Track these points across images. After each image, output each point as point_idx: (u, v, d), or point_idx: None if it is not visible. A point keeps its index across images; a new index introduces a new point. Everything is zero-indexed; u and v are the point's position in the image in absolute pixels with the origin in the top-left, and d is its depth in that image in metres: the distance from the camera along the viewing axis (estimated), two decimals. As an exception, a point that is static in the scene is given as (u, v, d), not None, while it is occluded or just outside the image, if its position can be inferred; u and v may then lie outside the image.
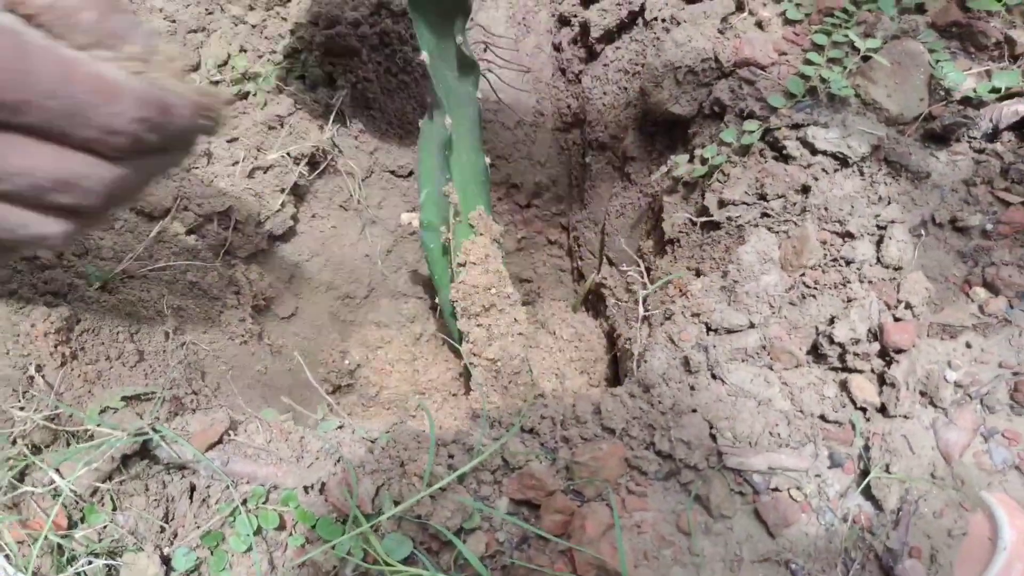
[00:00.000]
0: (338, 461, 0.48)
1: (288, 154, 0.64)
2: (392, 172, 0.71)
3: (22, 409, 0.48)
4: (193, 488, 0.49)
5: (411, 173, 0.72)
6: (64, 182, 0.41)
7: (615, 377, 0.72)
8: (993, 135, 0.53)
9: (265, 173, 0.64)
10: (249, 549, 0.48)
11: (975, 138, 0.54)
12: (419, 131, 0.58)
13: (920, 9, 0.62)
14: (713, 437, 0.46)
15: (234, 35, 0.66)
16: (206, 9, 0.67)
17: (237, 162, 0.63)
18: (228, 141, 0.64)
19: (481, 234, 0.59)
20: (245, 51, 0.67)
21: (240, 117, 0.66)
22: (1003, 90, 0.55)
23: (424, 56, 0.51)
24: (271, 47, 0.67)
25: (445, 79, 0.53)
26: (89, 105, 0.37)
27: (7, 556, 0.47)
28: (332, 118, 0.66)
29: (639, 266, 0.61)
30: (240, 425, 0.48)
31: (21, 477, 0.49)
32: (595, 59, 0.68)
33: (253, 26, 0.68)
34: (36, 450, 0.49)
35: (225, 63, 0.67)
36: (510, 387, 0.60)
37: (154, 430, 0.49)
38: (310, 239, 0.69)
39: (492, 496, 0.46)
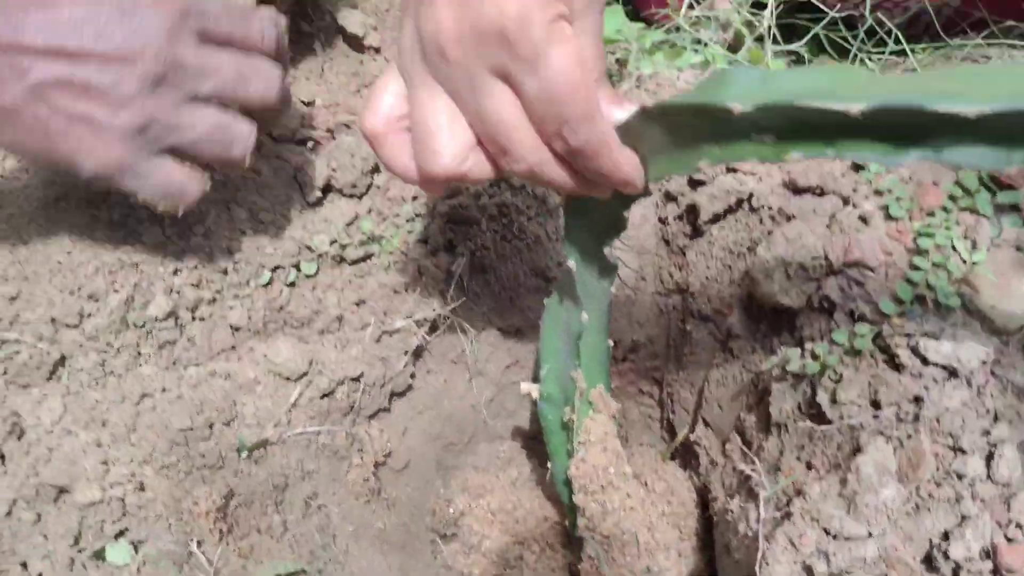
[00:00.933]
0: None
1: (416, 320, 0.69)
2: (500, 330, 0.75)
3: (186, 587, 0.52)
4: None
5: (518, 331, 0.76)
6: (247, 76, 0.57)
7: (706, 533, 0.74)
8: (1096, 350, 0.57)
9: (391, 337, 0.68)
10: None
11: (1079, 354, 0.57)
12: (543, 307, 0.63)
13: (1015, 208, 0.66)
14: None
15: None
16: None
17: (367, 326, 0.67)
18: (356, 304, 0.69)
19: (600, 411, 0.63)
20: (371, 212, 0.72)
21: (366, 278, 0.70)
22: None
23: (571, 263, 0.55)
24: (395, 211, 0.72)
25: (585, 280, 0.57)
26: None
27: None
28: (454, 284, 0.71)
29: (748, 449, 0.64)
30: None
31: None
32: (700, 236, 0.72)
33: (378, 187, 0.73)
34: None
35: (352, 222, 0.72)
36: (618, 558, 0.64)
37: (303, 608, 0.52)
38: (424, 394, 0.73)
39: None
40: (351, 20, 0.79)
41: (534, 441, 0.82)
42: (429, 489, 0.74)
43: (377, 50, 0.81)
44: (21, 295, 0.67)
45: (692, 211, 0.72)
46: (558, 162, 0.47)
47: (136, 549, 0.55)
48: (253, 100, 0.60)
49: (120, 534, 0.55)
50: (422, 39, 0.47)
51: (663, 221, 0.75)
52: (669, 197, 0.74)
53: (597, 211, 0.54)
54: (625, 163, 0.46)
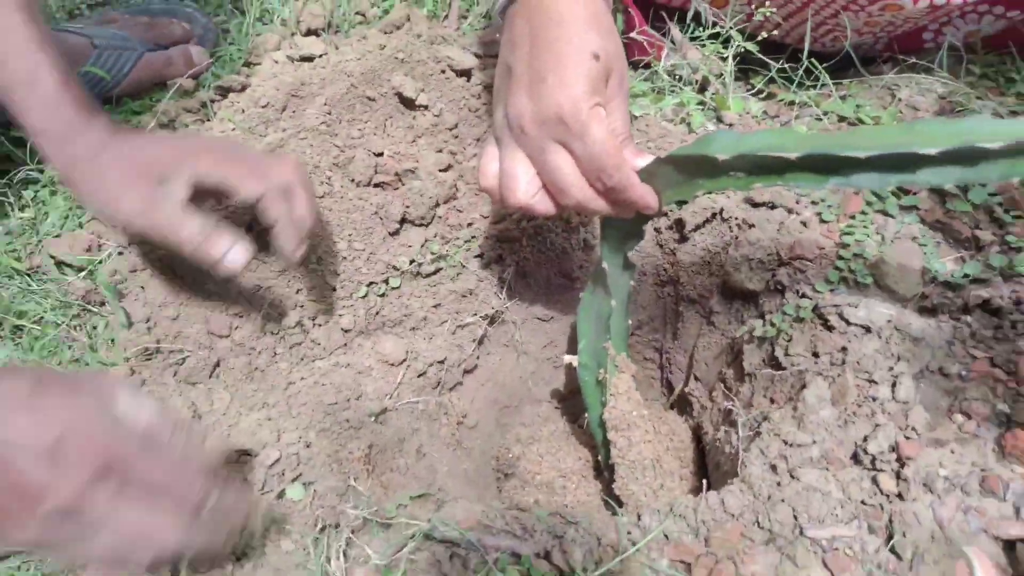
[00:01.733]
0: (559, 536, 0.75)
1: (480, 316, 0.92)
2: (538, 319, 0.99)
3: (354, 508, 0.75)
4: (456, 555, 0.77)
5: (551, 318, 1.00)
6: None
7: (700, 461, 0.99)
8: (965, 309, 0.81)
9: (463, 329, 0.92)
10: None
11: (954, 311, 0.82)
12: (578, 298, 0.87)
13: (915, 208, 0.91)
14: (795, 517, 0.73)
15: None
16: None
17: (444, 322, 0.91)
18: (434, 307, 0.92)
19: (624, 372, 0.87)
20: (437, 236, 0.96)
21: (438, 287, 0.94)
22: (971, 276, 0.83)
23: (605, 264, 0.80)
24: (455, 235, 0.96)
25: (613, 276, 0.81)
26: None
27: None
28: (505, 287, 0.95)
29: (729, 392, 0.89)
30: (484, 515, 0.76)
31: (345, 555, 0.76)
32: (686, 241, 0.96)
33: (440, 217, 0.96)
34: (354, 535, 0.76)
35: (424, 245, 0.95)
36: (640, 478, 0.88)
37: (431, 522, 0.76)
38: (485, 371, 0.96)
39: (656, 557, 0.73)
40: (406, 86, 1.02)
41: (564, 403, 1.06)
42: (492, 441, 0.98)
43: (425, 108, 1.04)
44: (180, 316, 0.90)
45: (679, 223, 0.96)
46: (598, 196, 0.72)
47: (307, 488, 0.78)
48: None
49: (296, 478, 0.79)
50: (508, 119, 0.71)
51: (658, 231, 0.99)
52: (661, 212, 0.98)
53: (624, 226, 0.78)
54: (645, 194, 0.71)
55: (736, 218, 0.91)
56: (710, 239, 0.94)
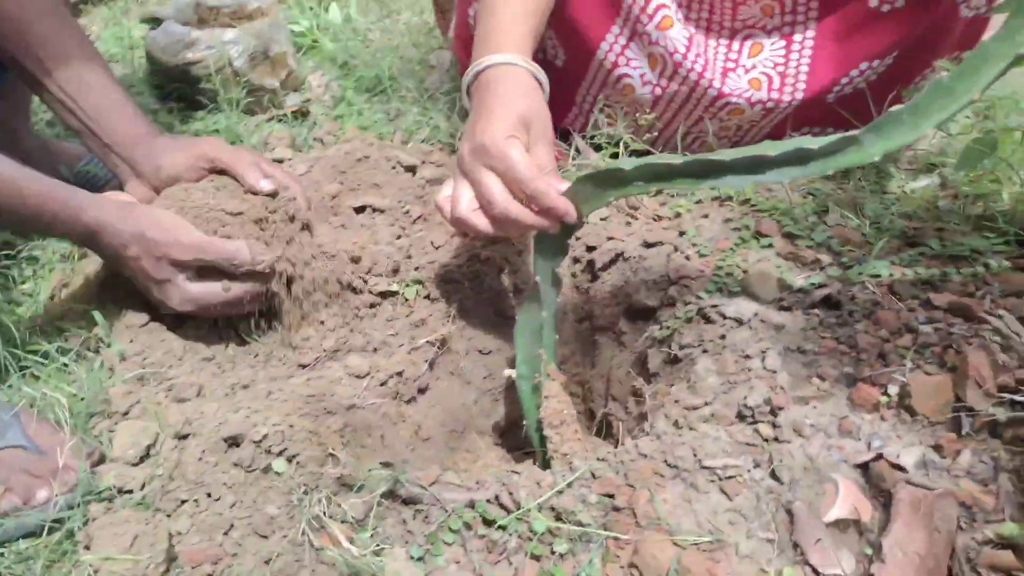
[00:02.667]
0: (505, 483, 0.90)
1: (430, 342, 1.11)
2: (480, 351, 1.18)
3: (332, 469, 0.89)
4: (419, 511, 0.90)
5: (490, 352, 1.19)
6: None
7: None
8: (812, 306, 1.04)
9: (417, 351, 1.10)
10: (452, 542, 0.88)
11: (804, 307, 1.04)
12: (505, 336, 1.06)
13: (770, 246, 1.15)
14: (694, 454, 0.91)
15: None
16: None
17: (402, 345, 1.09)
18: (391, 334, 1.10)
19: (554, 380, 1.05)
20: (397, 282, 1.16)
21: (394, 320, 1.12)
22: (816, 284, 1.07)
23: (538, 278, 1.00)
24: (409, 277, 1.16)
25: (545, 289, 1.01)
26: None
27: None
28: (451, 319, 1.14)
29: (639, 384, 1.08)
30: (442, 475, 0.91)
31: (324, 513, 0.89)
32: (596, 279, 1.18)
33: (398, 270, 1.17)
34: (332, 496, 0.89)
35: (385, 290, 1.14)
36: (571, 464, 1.04)
37: (397, 480, 0.91)
38: (436, 393, 1.13)
39: (586, 493, 0.89)
40: (406, 157, 1.26)
41: (504, 436, 1.23)
42: (443, 455, 1.13)
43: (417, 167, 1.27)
44: (169, 349, 1.06)
45: (591, 264, 1.18)
46: (523, 208, 0.94)
47: (291, 461, 0.92)
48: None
49: (281, 452, 0.93)
50: (457, 159, 0.95)
51: (574, 275, 1.21)
52: (576, 260, 1.21)
53: (551, 242, 1.00)
54: (561, 201, 0.93)
55: (635, 256, 1.14)
56: (615, 276, 1.16)
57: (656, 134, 1.35)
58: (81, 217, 1.01)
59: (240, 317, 1.11)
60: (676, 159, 0.89)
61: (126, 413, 1.01)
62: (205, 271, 1.05)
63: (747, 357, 0.98)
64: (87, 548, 0.87)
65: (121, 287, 1.13)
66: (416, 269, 1.17)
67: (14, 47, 1.09)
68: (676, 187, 0.90)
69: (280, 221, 1.08)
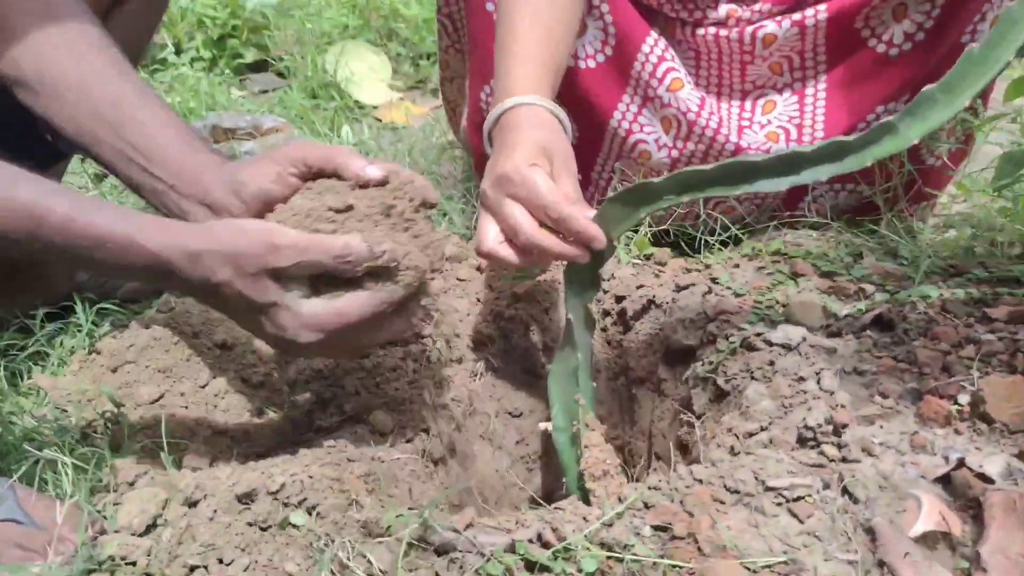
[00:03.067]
0: (548, 521, 0.81)
1: (455, 399, 1.04)
2: (510, 413, 1.11)
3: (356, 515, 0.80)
4: (453, 560, 0.81)
5: (522, 415, 1.11)
6: None
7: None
8: (863, 329, 0.98)
9: (443, 409, 1.03)
10: None
11: (855, 331, 0.98)
12: (536, 395, 1.00)
13: (806, 278, 1.10)
14: (755, 476, 0.82)
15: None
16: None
17: (428, 404, 1.03)
18: (416, 392, 1.04)
19: (593, 430, 0.98)
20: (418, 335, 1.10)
21: (417, 377, 1.06)
22: (864, 310, 1.01)
23: (570, 316, 0.95)
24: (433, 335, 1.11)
25: (578, 329, 0.96)
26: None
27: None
28: (479, 377, 1.08)
29: (686, 418, 0.99)
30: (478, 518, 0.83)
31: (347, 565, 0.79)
32: (629, 330, 1.13)
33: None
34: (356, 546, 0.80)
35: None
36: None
37: (428, 525, 0.82)
38: (465, 457, 1.05)
39: (640, 525, 0.79)
40: None
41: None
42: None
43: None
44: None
45: (622, 315, 1.13)
46: (549, 233, 0.90)
47: (311, 512, 0.84)
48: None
49: (300, 503, 0.85)
50: (481, 195, 0.92)
51: (604, 329, 1.15)
52: (606, 313, 1.15)
53: (582, 275, 0.95)
54: (589, 224, 0.89)
55: (668, 301, 1.09)
56: (649, 324, 1.10)
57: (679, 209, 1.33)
58: (145, 246, 0.80)
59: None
60: (706, 166, 0.86)
61: (132, 483, 0.93)
62: (320, 285, 0.84)
63: (801, 379, 0.91)
64: (84, 616, 0.78)
65: (136, 366, 1.08)
66: (439, 328, 1.12)
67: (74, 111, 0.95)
68: (709, 195, 0.87)
69: (407, 210, 0.87)
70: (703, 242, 1.29)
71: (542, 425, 1.00)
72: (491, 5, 1.31)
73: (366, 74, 2.32)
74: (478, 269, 1.27)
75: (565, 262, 0.98)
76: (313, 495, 0.84)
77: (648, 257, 1.23)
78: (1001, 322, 0.95)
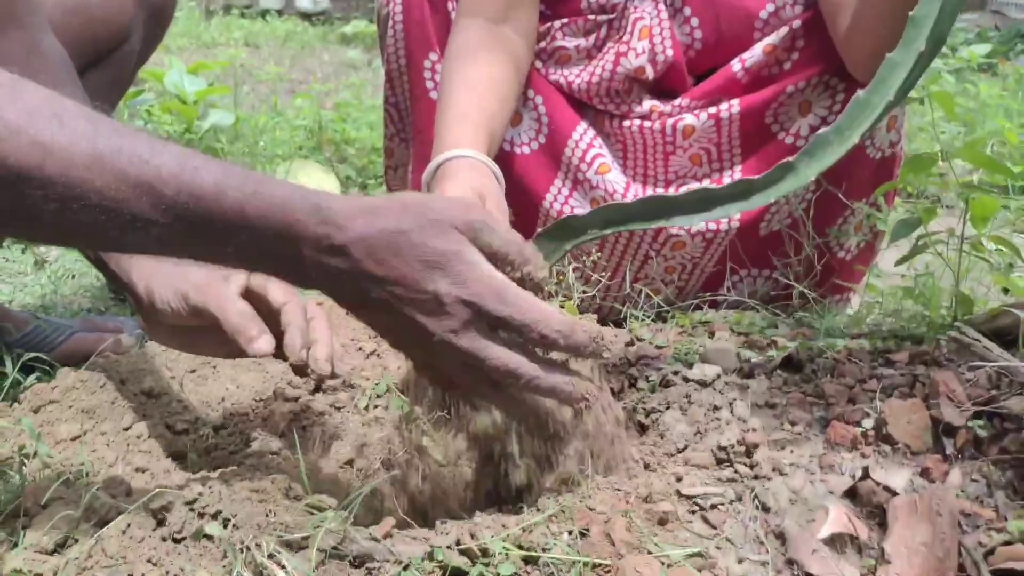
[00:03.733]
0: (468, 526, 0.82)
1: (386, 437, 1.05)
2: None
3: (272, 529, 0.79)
4: (371, 570, 0.80)
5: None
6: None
7: None
8: (774, 370, 1.03)
9: (369, 447, 1.04)
10: None
11: (767, 372, 1.03)
12: None
13: (725, 335, 1.16)
14: (670, 485, 0.84)
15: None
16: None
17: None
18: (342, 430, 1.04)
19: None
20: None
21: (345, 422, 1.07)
22: (774, 358, 1.06)
23: None
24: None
25: None
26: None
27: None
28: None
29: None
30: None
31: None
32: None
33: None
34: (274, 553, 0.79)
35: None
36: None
37: (346, 535, 0.81)
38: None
39: (559, 531, 0.80)
40: None
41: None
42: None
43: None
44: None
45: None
46: None
47: (227, 524, 0.83)
48: None
49: (216, 515, 0.84)
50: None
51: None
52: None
53: None
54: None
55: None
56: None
57: (605, 277, 1.40)
58: (280, 215, 0.68)
59: None
60: (627, 202, 0.93)
61: (44, 506, 0.91)
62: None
63: (716, 408, 0.95)
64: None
65: (58, 406, 1.07)
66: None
67: None
68: (629, 228, 0.93)
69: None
70: (630, 317, 1.35)
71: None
72: (434, 94, 1.41)
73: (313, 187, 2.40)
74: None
75: None
76: (231, 505, 0.83)
77: (575, 323, 1.28)
78: (903, 363, 1.01)
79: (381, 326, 0.80)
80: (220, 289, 0.91)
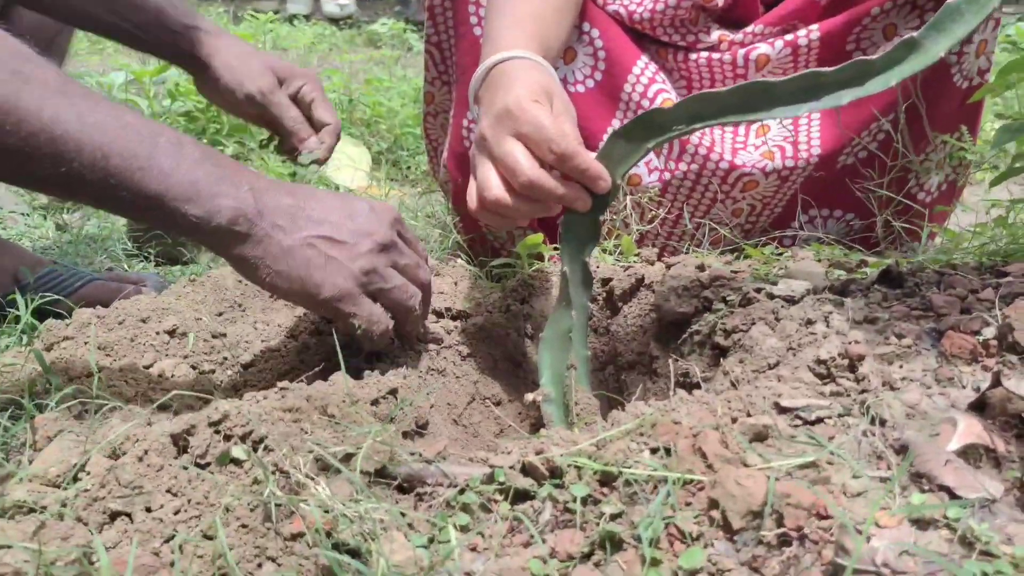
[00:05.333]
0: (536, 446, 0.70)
1: (433, 368, 0.94)
2: (488, 398, 1.00)
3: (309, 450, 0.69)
4: (422, 495, 0.69)
5: (500, 402, 1.00)
6: (420, 264, 0.94)
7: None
8: (870, 285, 0.91)
9: (410, 377, 0.93)
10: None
11: (861, 290, 0.91)
12: (527, 380, 0.91)
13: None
14: (774, 402, 0.72)
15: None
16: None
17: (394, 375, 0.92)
18: (379, 364, 0.94)
19: (588, 399, 0.87)
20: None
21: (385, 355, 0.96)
22: (869, 272, 0.94)
23: (565, 268, 0.87)
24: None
25: (575, 287, 0.87)
26: None
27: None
28: (456, 362, 0.98)
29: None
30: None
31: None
32: (617, 314, 1.04)
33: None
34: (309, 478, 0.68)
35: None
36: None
37: (393, 455, 0.70)
38: (436, 438, 0.94)
39: (638, 448, 0.68)
40: None
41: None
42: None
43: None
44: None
45: (608, 298, 1.05)
46: (549, 175, 0.84)
47: (257, 445, 0.73)
48: (421, 280, 0.94)
49: (244, 437, 0.73)
50: (477, 139, 0.87)
51: (590, 318, 1.06)
52: (592, 300, 1.07)
53: (581, 225, 0.87)
54: (592, 162, 0.83)
55: (659, 281, 1.01)
56: (639, 307, 1.02)
57: (665, 221, 1.28)
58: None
59: None
60: (719, 91, 0.81)
61: (53, 438, 0.81)
62: None
63: (809, 322, 0.83)
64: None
65: (73, 343, 0.98)
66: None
67: None
68: (722, 122, 0.81)
69: None
70: (692, 254, 1.23)
71: (529, 396, 0.90)
72: (479, 30, 1.31)
73: (345, 161, 2.31)
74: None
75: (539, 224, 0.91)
76: (261, 426, 0.73)
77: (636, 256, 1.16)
78: (1016, 276, 0.88)
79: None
80: (280, 98, 1.27)
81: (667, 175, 1.28)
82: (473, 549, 0.66)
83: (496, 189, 0.86)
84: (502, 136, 0.86)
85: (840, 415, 0.71)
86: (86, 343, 0.98)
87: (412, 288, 0.92)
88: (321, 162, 1.22)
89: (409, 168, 2.43)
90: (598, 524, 0.64)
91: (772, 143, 1.28)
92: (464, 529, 0.66)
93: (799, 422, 0.70)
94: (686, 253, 1.23)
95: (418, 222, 1.81)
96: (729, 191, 1.27)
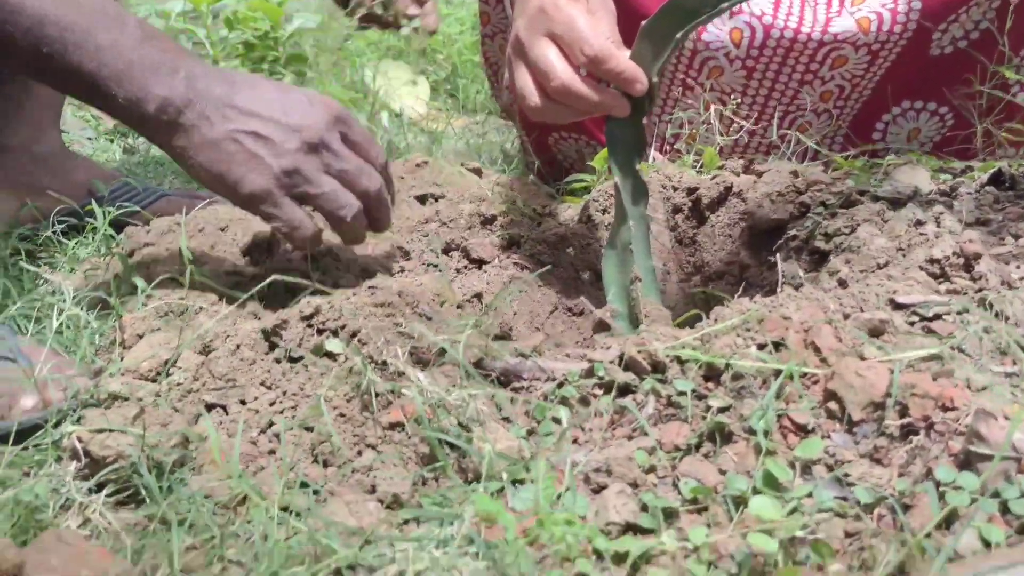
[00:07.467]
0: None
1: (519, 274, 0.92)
2: (570, 310, 0.97)
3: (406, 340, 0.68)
4: (518, 388, 0.68)
5: (582, 313, 0.98)
6: (362, 170, 0.86)
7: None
8: (981, 187, 0.86)
9: (493, 283, 0.91)
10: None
11: (973, 191, 0.86)
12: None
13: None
14: (887, 298, 0.69)
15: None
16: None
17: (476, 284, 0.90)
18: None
19: (657, 309, 0.84)
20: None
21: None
22: (976, 175, 0.89)
23: (616, 180, 0.83)
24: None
25: (628, 199, 0.84)
26: None
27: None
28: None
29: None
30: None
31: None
32: (704, 223, 1.01)
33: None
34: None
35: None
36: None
37: (489, 348, 0.69)
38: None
39: (744, 344, 0.66)
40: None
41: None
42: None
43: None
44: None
45: (695, 208, 1.01)
46: (582, 79, 0.80)
47: (352, 338, 0.71)
48: (361, 188, 0.86)
49: (337, 331, 0.72)
50: (512, 41, 0.83)
51: (674, 228, 1.03)
52: (677, 210, 1.03)
53: (624, 131, 0.84)
54: (626, 63, 0.79)
55: (748, 188, 0.97)
56: (727, 215, 0.98)
57: (750, 122, 1.22)
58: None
59: None
60: None
61: (141, 336, 0.81)
62: None
63: (919, 223, 0.79)
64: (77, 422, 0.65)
65: (155, 248, 0.97)
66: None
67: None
68: None
69: None
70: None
71: (597, 313, 0.86)
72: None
73: (404, 89, 2.28)
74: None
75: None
76: (354, 321, 0.72)
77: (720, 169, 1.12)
78: None
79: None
80: None
81: (751, 62, 1.20)
82: (575, 441, 0.64)
83: (532, 97, 0.83)
84: (536, 37, 0.82)
85: (959, 312, 0.67)
86: (167, 249, 0.97)
87: (346, 196, 0.85)
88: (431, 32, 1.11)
89: (467, 97, 2.39)
90: (704, 418, 0.62)
91: (868, 8, 1.17)
92: (562, 422, 0.65)
93: (916, 318, 0.67)
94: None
95: (482, 152, 1.78)
96: (818, 69, 1.19)
